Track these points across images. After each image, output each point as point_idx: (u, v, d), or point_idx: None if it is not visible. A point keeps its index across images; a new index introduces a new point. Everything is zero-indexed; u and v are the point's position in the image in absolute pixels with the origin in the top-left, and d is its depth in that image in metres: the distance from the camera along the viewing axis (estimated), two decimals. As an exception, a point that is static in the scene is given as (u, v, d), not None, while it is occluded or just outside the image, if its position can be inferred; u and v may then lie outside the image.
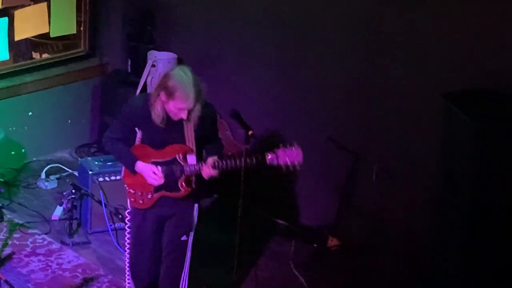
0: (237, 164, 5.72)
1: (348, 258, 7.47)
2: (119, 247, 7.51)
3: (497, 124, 6.03)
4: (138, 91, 8.53)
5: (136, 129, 5.95)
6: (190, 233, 6.03)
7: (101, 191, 7.60)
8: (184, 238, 6.01)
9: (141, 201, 6.00)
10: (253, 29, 8.05)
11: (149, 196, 5.96)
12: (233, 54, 8.16)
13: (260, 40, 8.00)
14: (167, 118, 5.77)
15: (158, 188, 5.92)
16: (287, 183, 7.65)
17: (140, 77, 8.60)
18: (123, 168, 6.07)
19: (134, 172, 5.92)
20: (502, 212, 6.07)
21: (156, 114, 5.75)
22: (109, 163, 7.76)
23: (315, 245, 7.69)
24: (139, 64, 8.72)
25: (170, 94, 5.65)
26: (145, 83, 8.56)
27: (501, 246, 6.10)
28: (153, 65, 8.52)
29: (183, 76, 5.67)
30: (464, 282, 6.23)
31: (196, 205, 6.05)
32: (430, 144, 6.73)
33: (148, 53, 8.61)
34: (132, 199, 6.04)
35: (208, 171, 5.75)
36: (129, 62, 8.95)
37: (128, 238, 6.24)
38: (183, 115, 5.70)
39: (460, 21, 6.65)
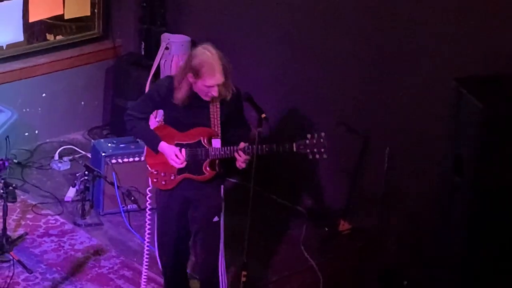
0: (269, 150, 5.71)
1: (359, 242, 7.49)
2: (131, 228, 7.54)
3: (507, 109, 6.03)
4: (151, 73, 8.55)
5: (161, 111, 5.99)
6: (221, 213, 6.04)
7: (113, 173, 7.61)
8: (216, 219, 6.02)
9: (163, 182, 6.00)
10: (266, 12, 8.03)
11: (172, 178, 5.96)
12: (246, 36, 8.15)
13: (273, 23, 7.99)
14: (193, 100, 5.76)
15: (181, 170, 5.92)
16: (300, 168, 7.66)
17: (153, 59, 8.61)
18: (145, 148, 6.06)
19: (157, 152, 5.91)
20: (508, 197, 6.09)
21: (180, 96, 5.74)
22: (122, 145, 7.78)
23: (326, 229, 7.71)
24: (152, 47, 8.74)
25: (197, 73, 5.64)
26: (158, 66, 8.58)
27: (504, 229, 6.10)
28: (166, 48, 8.52)
29: (206, 53, 5.67)
30: (468, 262, 6.23)
31: (222, 186, 6.05)
32: (440, 129, 6.72)
33: (162, 35, 8.62)
34: (155, 180, 6.04)
35: (241, 158, 5.75)
36: (143, 45, 8.96)
37: (148, 219, 6.25)
38: (214, 93, 5.68)
39: (473, 7, 6.64)
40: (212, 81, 5.65)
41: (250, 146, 5.72)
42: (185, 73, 5.71)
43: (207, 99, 5.76)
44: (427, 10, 6.89)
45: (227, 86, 5.76)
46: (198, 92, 5.73)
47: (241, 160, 5.76)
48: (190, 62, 5.69)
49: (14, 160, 8.19)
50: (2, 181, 7.10)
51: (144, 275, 6.39)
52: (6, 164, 5.47)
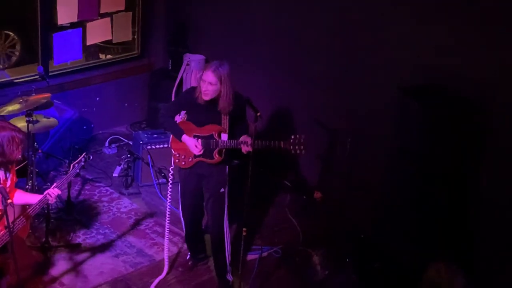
0: (265, 145, 5.69)
1: (328, 206, 7.48)
2: (161, 196, 7.53)
3: (441, 110, 6.03)
4: (176, 83, 8.54)
5: (183, 112, 5.97)
6: (226, 186, 6.02)
7: (149, 156, 7.61)
8: (222, 190, 6.00)
9: (183, 163, 5.99)
10: (259, 38, 8.01)
11: (190, 160, 5.95)
12: (246, 56, 8.10)
13: (265, 45, 7.96)
14: (210, 105, 5.72)
15: (197, 155, 5.92)
16: (286, 153, 7.65)
17: (178, 73, 8.62)
18: (171, 136, 6.03)
19: (180, 140, 5.90)
20: (441, 175, 6.10)
21: (199, 97, 5.73)
22: (155, 136, 7.77)
23: (304, 197, 7.70)
24: (177, 63, 8.72)
25: (202, 73, 5.67)
26: (181, 78, 8.59)
27: (438, 198, 6.12)
28: (187, 64, 8.52)
29: (218, 62, 5.67)
30: (410, 224, 6.27)
31: (227, 167, 6.04)
32: (388, 124, 6.73)
33: (184, 55, 8.62)
34: (177, 160, 6.03)
35: (246, 148, 5.72)
36: (170, 62, 8.93)
37: (169, 191, 6.22)
38: (205, 90, 5.61)
39: (411, 33, 6.65)
40: (204, 76, 5.62)
41: (254, 141, 5.65)
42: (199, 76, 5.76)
43: (204, 97, 5.69)
44: (382, 36, 6.89)
45: (224, 97, 5.69)
46: (200, 89, 5.69)
47: (244, 149, 5.76)
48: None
49: (76, 147, 8.23)
50: (67, 161, 7.14)
51: (167, 228, 6.34)
52: (91, 157, 5.56)
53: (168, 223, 6.30)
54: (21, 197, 5.10)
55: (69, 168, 5.35)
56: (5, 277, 5.07)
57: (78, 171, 5.30)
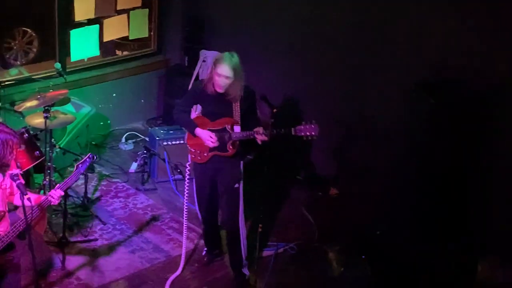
0: (278, 133, 5.66)
1: (343, 203, 7.47)
2: (177, 192, 7.54)
3: (453, 107, 6.02)
4: (192, 80, 8.50)
5: (198, 105, 5.96)
6: (240, 181, 6.02)
7: (165, 152, 7.62)
8: (236, 185, 6.00)
9: (199, 158, 6.00)
10: (273, 33, 8.03)
11: (205, 154, 5.95)
12: (260, 50, 8.11)
13: (280, 40, 7.98)
14: (221, 97, 5.72)
15: (212, 149, 5.90)
16: (301, 148, 7.66)
17: (194, 69, 8.59)
18: (187, 133, 6.05)
19: (195, 135, 5.90)
20: (452, 169, 6.08)
21: (209, 87, 5.72)
22: (171, 132, 7.78)
23: (320, 193, 7.71)
24: (193, 60, 8.70)
25: (215, 63, 5.65)
26: (197, 74, 8.59)
27: (444, 189, 6.12)
28: (203, 61, 8.50)
29: (229, 53, 5.67)
30: (421, 221, 6.28)
31: (241, 162, 6.04)
32: (398, 119, 6.72)
33: (200, 51, 8.58)
34: (193, 156, 6.05)
35: (261, 137, 5.70)
36: (186, 58, 8.95)
37: (187, 185, 6.22)
38: (221, 83, 5.61)
39: (425, 29, 6.62)
40: (220, 70, 5.61)
41: (264, 130, 5.68)
42: (211, 69, 5.72)
43: (218, 89, 5.69)
44: (396, 33, 6.89)
45: (235, 87, 5.69)
46: (213, 81, 5.69)
47: (259, 138, 5.72)
48: (214, 59, 5.71)
49: (93, 142, 8.27)
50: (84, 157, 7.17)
51: (185, 225, 6.36)
52: (95, 158, 5.51)
53: (186, 220, 6.32)
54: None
55: (74, 169, 5.26)
56: (17, 273, 5.06)
57: (82, 171, 5.24)
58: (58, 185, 5.03)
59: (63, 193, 4.97)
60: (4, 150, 4.66)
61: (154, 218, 7.13)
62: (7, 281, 4.99)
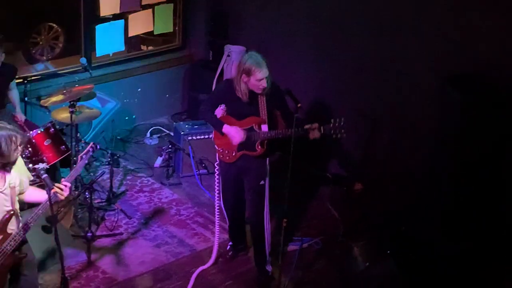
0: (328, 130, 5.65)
1: (368, 198, 7.42)
2: (202, 187, 7.55)
3: (480, 99, 5.95)
4: (217, 74, 8.54)
5: (223, 105, 5.93)
6: (266, 179, 6.00)
7: (190, 147, 7.63)
8: (262, 182, 5.99)
9: (227, 158, 5.98)
10: (298, 26, 7.98)
11: (233, 154, 5.94)
12: (285, 45, 8.09)
13: (305, 34, 7.93)
14: (248, 94, 5.71)
15: (240, 148, 5.88)
16: (326, 145, 7.62)
17: (219, 64, 8.61)
18: (214, 132, 6.02)
19: (222, 133, 5.86)
20: (480, 170, 6.01)
21: (242, 93, 5.69)
22: (196, 127, 7.78)
23: (345, 188, 7.67)
24: (218, 54, 8.72)
25: (248, 73, 5.59)
26: (222, 69, 8.60)
27: (473, 186, 6.06)
28: (228, 55, 8.51)
29: (252, 56, 5.63)
30: (449, 216, 6.22)
31: (267, 160, 6.02)
32: (427, 114, 6.65)
33: (225, 46, 8.60)
34: (221, 156, 6.03)
35: (314, 134, 5.67)
36: (211, 53, 8.94)
37: (217, 184, 6.22)
38: (264, 84, 5.61)
39: (460, 19, 6.56)
40: (261, 75, 5.59)
41: (321, 126, 5.64)
42: (239, 76, 5.66)
43: (259, 92, 5.68)
44: (425, 22, 6.82)
45: (268, 80, 5.68)
46: (252, 87, 5.66)
47: (312, 136, 5.68)
48: (241, 67, 5.63)
49: (118, 137, 8.30)
50: (110, 152, 7.20)
51: (217, 224, 6.35)
52: (98, 147, 5.48)
53: (218, 217, 6.32)
54: (32, 194, 5.00)
55: (77, 160, 5.23)
56: (34, 270, 5.06)
57: (86, 161, 5.18)
58: (63, 178, 4.94)
59: (70, 185, 4.92)
60: (8, 147, 4.62)
61: (179, 212, 7.13)
62: (25, 279, 5.00)
